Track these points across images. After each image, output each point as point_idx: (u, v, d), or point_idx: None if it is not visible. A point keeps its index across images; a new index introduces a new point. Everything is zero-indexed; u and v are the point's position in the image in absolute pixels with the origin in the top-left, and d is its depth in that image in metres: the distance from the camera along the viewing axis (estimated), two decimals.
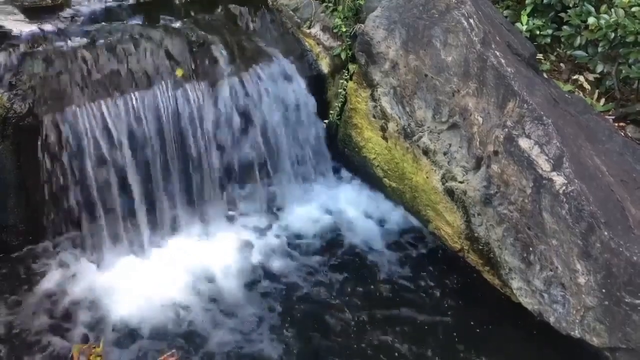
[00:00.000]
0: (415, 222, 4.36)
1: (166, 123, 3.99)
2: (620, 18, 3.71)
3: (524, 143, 3.38)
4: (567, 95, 3.70)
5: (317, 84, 4.59)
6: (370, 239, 4.31)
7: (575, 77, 4.18)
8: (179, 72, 4.09)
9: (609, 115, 3.94)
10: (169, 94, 4.01)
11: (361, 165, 4.60)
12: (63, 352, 3.44)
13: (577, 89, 4.10)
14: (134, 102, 3.93)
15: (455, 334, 3.68)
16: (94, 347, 2.81)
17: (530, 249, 3.42)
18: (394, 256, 4.18)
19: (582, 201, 3.12)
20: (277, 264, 4.11)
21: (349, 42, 4.48)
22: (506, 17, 4.26)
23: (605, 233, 3.04)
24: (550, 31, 4.20)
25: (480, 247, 3.79)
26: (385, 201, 4.54)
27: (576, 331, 3.24)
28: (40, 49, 4.03)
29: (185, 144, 4.07)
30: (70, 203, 3.90)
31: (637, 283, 2.97)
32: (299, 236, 4.31)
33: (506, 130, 3.46)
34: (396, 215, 4.47)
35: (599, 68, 3.96)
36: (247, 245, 4.23)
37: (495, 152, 3.53)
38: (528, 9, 4.26)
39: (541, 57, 4.24)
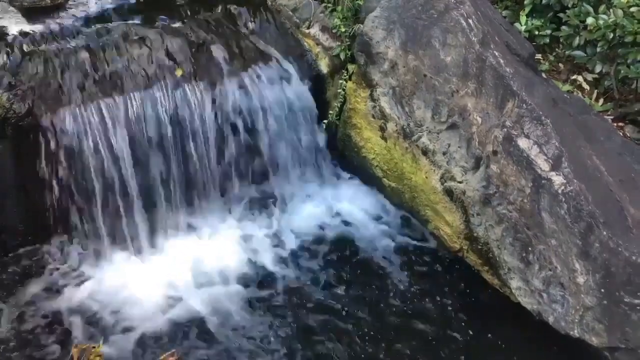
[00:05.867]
0: (414, 222, 4.36)
1: (166, 123, 3.99)
2: (619, 18, 3.71)
3: (523, 143, 3.38)
4: (565, 95, 3.71)
5: (317, 84, 4.58)
6: (369, 239, 4.30)
7: (574, 77, 4.18)
8: (178, 72, 4.10)
9: (608, 115, 3.94)
10: (168, 94, 4.02)
11: (360, 165, 4.60)
12: (63, 353, 3.45)
13: (575, 89, 4.10)
14: (134, 102, 3.93)
15: (453, 333, 3.68)
16: (94, 347, 2.81)
17: (529, 248, 3.43)
18: (393, 256, 4.18)
19: (581, 201, 3.13)
20: (277, 265, 4.11)
21: (348, 43, 4.47)
22: (505, 17, 4.26)
23: (604, 233, 3.05)
24: (549, 31, 4.21)
25: (480, 247, 3.80)
26: (384, 201, 4.53)
27: (575, 331, 3.24)
28: (39, 49, 4.03)
29: (185, 143, 4.07)
30: (70, 203, 3.91)
31: (636, 282, 2.97)
32: (298, 236, 4.31)
33: (505, 130, 3.46)
34: (395, 215, 4.46)
35: (598, 68, 3.96)
36: (247, 247, 4.22)
37: (494, 152, 3.53)
38: (527, 9, 4.26)
39: (540, 57, 4.24)
